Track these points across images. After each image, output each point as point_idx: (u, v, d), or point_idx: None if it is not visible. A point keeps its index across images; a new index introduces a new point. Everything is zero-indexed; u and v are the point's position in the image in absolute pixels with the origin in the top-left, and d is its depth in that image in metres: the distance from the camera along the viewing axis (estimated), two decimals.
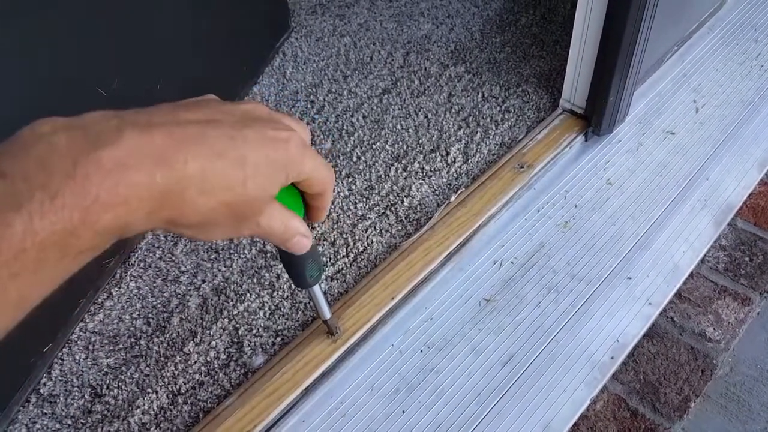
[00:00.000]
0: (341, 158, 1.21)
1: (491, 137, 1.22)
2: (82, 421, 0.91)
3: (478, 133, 1.23)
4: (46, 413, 0.92)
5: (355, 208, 1.14)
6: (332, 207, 1.14)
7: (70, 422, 0.91)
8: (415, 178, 1.18)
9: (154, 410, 0.92)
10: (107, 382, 0.95)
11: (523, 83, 1.31)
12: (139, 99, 1.04)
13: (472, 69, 1.35)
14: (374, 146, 1.23)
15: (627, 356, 0.99)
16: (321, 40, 1.44)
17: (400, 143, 1.23)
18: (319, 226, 1.12)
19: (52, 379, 0.96)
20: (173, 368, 0.96)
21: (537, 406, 0.92)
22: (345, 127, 1.26)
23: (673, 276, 1.06)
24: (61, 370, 0.98)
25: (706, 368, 0.98)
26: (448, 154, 1.20)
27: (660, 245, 1.09)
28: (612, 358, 0.97)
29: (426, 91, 1.32)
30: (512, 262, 1.08)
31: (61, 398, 0.93)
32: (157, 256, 1.09)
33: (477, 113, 1.26)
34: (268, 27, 1.40)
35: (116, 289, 1.06)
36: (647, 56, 1.23)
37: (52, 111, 0.33)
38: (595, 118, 1.19)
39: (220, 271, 1.07)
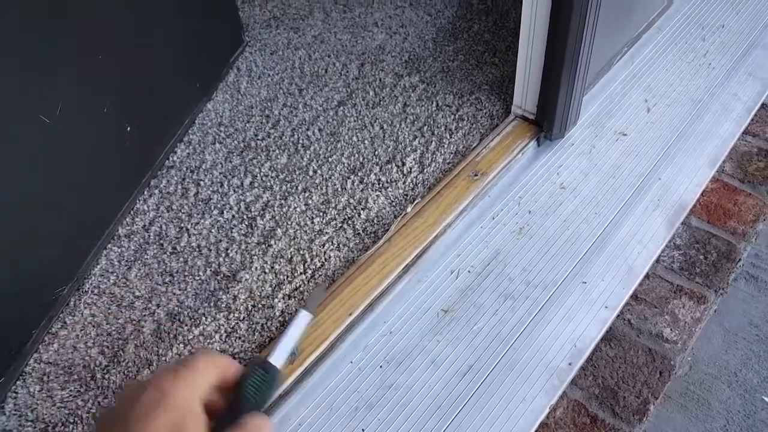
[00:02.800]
0: (297, 173, 1.20)
1: (446, 146, 1.22)
2: None
3: (433, 143, 1.23)
4: None
5: (312, 223, 1.13)
6: (289, 223, 1.13)
7: None
8: (372, 190, 1.17)
9: None
10: (62, 416, 0.93)
11: (476, 91, 1.31)
12: (83, 123, 1.03)
13: (426, 78, 1.35)
14: (330, 159, 1.22)
15: (585, 361, 0.99)
16: (275, 54, 1.43)
17: (357, 155, 1.22)
18: (275, 242, 1.11)
19: (5, 414, 0.94)
20: None
21: (497, 416, 0.92)
22: (301, 141, 1.25)
23: (629, 278, 1.06)
24: (15, 404, 0.95)
25: (664, 369, 0.99)
26: (403, 164, 1.20)
27: (614, 248, 1.09)
28: (570, 364, 0.97)
29: (381, 102, 1.31)
30: (469, 271, 1.08)
31: None
32: (111, 281, 1.08)
33: (432, 122, 1.26)
34: (221, 42, 1.39)
35: (70, 317, 1.04)
36: (595, 59, 1.24)
37: None
38: (546, 123, 1.19)
39: (174, 294, 1.05)
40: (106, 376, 0.97)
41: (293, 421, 0.92)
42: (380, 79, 1.36)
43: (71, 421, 0.93)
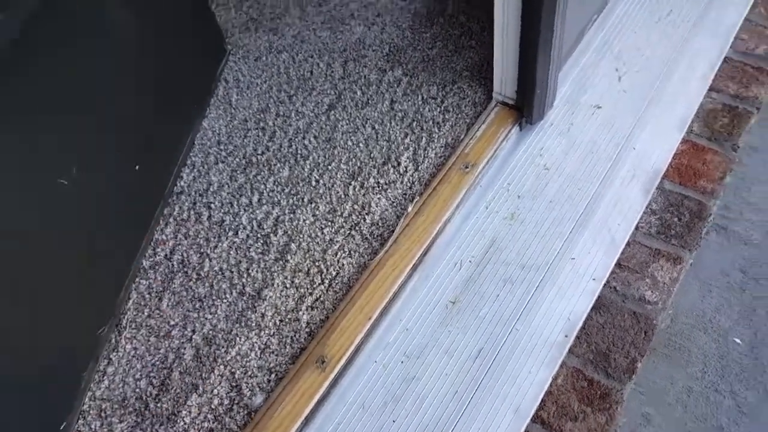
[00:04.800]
0: (301, 184, 1.29)
1: (436, 140, 1.31)
2: None
3: (424, 138, 1.31)
4: None
5: (323, 233, 1.23)
6: (301, 236, 1.23)
7: None
8: (373, 194, 1.26)
9: None
10: None
11: (458, 79, 1.38)
12: (96, 178, 1.11)
13: (409, 71, 1.41)
14: (330, 167, 1.31)
15: (579, 331, 1.13)
16: (259, 60, 1.48)
17: (354, 160, 1.31)
18: (291, 257, 1.21)
19: None
20: (182, 423, 1.08)
21: (507, 392, 1.07)
22: (299, 151, 1.33)
23: (612, 248, 1.18)
24: None
25: (648, 329, 1.13)
26: (399, 164, 1.29)
27: (597, 221, 1.21)
28: (566, 336, 1.11)
29: (369, 101, 1.38)
30: (470, 261, 1.19)
31: None
32: (146, 314, 1.19)
33: (420, 117, 1.34)
34: (206, 56, 1.44)
35: (114, 354, 1.16)
36: (568, 35, 1.30)
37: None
38: (526, 108, 1.27)
39: (207, 319, 1.17)
40: (158, 404, 1.10)
41: (333, 422, 1.07)
42: (365, 77, 1.42)
43: None
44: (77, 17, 1.06)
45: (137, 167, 1.21)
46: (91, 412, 1.11)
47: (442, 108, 1.34)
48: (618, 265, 1.18)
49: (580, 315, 1.13)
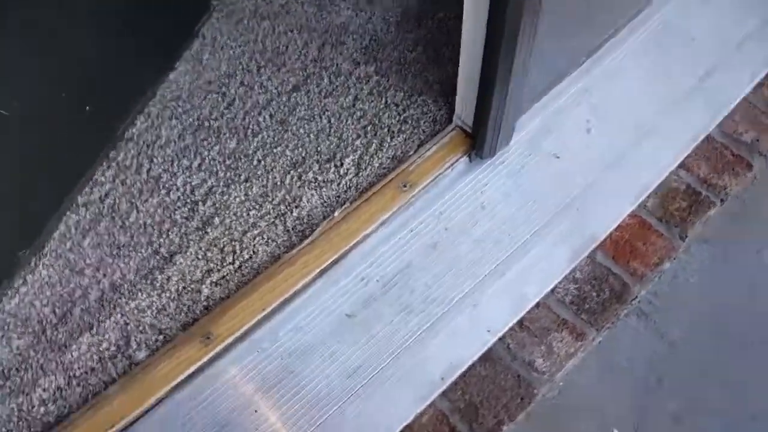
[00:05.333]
0: (242, 160, 1.30)
1: (385, 150, 1.29)
2: None
3: (374, 145, 1.30)
4: None
5: (248, 215, 1.25)
6: (227, 212, 1.25)
7: None
8: (308, 188, 1.27)
9: (52, 389, 1.11)
10: (16, 363, 1.13)
11: (426, 90, 1.35)
12: (42, 111, 1.14)
13: (381, 70, 1.38)
14: (275, 150, 1.31)
15: (459, 376, 1.13)
16: (240, 23, 1.46)
17: (300, 149, 1.30)
18: (212, 230, 1.24)
19: None
20: (70, 355, 1.14)
21: (371, 413, 1.09)
22: (251, 126, 1.33)
23: (519, 305, 1.17)
24: None
25: (526, 396, 1.13)
26: (342, 164, 1.28)
27: (514, 274, 1.19)
28: (442, 378, 1.12)
29: (334, 92, 1.36)
30: (377, 280, 1.20)
31: None
32: (68, 247, 1.23)
33: (377, 121, 1.32)
34: (186, 8, 1.42)
35: (30, 276, 1.21)
36: (539, 73, 1.25)
37: None
38: (478, 141, 1.24)
39: (119, 267, 1.21)
40: (55, 333, 1.16)
41: (203, 394, 1.11)
42: (337, 65, 1.39)
43: (23, 368, 1.13)
44: None
45: (88, 108, 1.23)
46: None
47: (402, 118, 1.32)
48: (520, 323, 1.17)
49: (463, 362, 1.13)
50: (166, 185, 1.28)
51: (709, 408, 1.16)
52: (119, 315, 1.17)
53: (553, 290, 1.20)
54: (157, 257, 1.22)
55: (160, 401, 1.10)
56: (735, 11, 1.46)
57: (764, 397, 1.17)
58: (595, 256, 1.23)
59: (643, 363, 1.21)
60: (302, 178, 1.28)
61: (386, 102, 1.34)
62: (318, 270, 1.18)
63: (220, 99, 1.37)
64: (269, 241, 1.22)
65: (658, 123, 1.32)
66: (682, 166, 1.30)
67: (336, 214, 1.23)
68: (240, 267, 1.20)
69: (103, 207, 1.26)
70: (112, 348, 1.15)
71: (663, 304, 1.25)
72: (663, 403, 1.17)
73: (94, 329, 1.16)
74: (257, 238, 1.23)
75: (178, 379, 1.10)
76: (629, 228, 1.25)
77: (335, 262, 1.19)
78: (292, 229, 1.23)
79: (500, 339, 1.16)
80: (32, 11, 1.07)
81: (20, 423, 1.07)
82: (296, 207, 1.25)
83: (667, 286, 1.26)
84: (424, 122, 1.32)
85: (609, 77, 1.37)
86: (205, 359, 1.11)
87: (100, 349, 1.14)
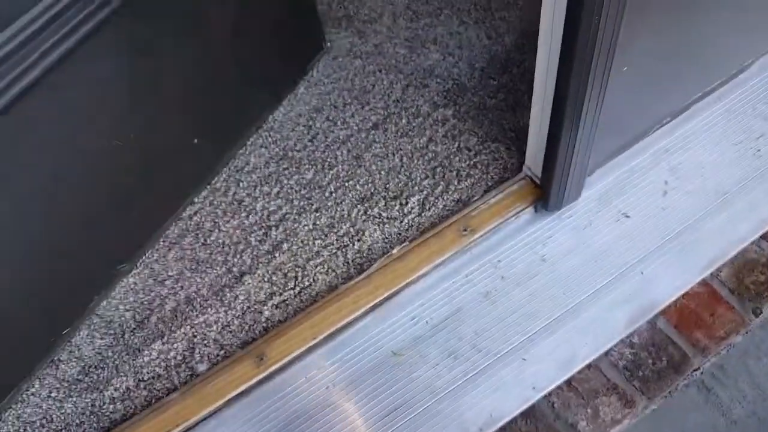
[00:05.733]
0: (316, 191, 1.37)
1: (451, 192, 1.31)
2: (73, 386, 1.24)
3: (440, 186, 1.32)
4: (51, 374, 1.26)
5: (313, 243, 1.31)
6: (295, 239, 1.32)
7: (65, 385, 1.24)
8: (372, 223, 1.32)
9: (122, 389, 1.23)
10: (96, 361, 1.26)
11: (500, 138, 1.36)
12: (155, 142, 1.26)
13: (459, 114, 1.41)
14: (347, 183, 1.37)
15: (499, 429, 1.13)
16: (336, 60, 1.54)
17: (370, 184, 1.36)
18: (279, 255, 1.31)
19: (65, 350, 1.28)
20: (141, 360, 1.25)
21: None
22: (328, 160, 1.40)
23: (568, 365, 1.15)
24: (71, 342, 1.29)
25: None
26: (407, 203, 1.32)
27: (566, 332, 1.17)
28: (480, 429, 1.12)
29: (410, 132, 1.41)
30: (427, 322, 1.22)
31: (62, 366, 1.26)
32: (154, 258, 1.36)
33: (447, 164, 1.35)
34: (300, 48, 1.50)
35: (119, 283, 1.35)
36: (615, 133, 1.23)
37: None
38: (545, 191, 1.23)
39: (195, 282, 1.32)
40: (132, 337, 1.28)
41: (246, 415, 1.18)
42: (417, 106, 1.44)
43: (101, 366, 1.26)
44: None
45: (196, 141, 1.33)
46: (85, 321, 1.30)
47: (472, 162, 1.34)
48: (568, 382, 1.15)
49: (503, 416, 1.12)
50: (247, 208, 1.37)
51: None
52: (189, 327, 1.27)
53: (607, 353, 1.16)
54: (229, 276, 1.31)
55: (211, 414, 1.18)
56: None
57: None
58: (657, 322, 1.18)
59: None
60: (368, 212, 1.33)
61: (459, 146, 1.37)
62: (369, 305, 1.22)
63: (305, 131, 1.45)
64: (329, 270, 1.28)
65: (741, 192, 1.25)
66: (765, 237, 1.22)
67: (395, 251, 1.27)
68: (300, 293, 1.27)
69: (191, 224, 1.38)
70: (178, 357, 1.25)
71: (729, 380, 1.18)
72: None
73: (165, 338, 1.27)
74: (319, 267, 1.29)
75: (230, 395, 1.18)
76: (697, 297, 1.19)
77: (388, 298, 1.23)
78: (352, 261, 1.29)
79: (545, 396, 1.14)
80: (151, 58, 1.17)
81: (91, 417, 1.20)
82: (358, 240, 1.30)
83: (735, 361, 1.19)
84: (494, 168, 1.33)
85: (693, 140, 1.32)
86: (255, 380, 1.19)
87: (168, 357, 1.25)
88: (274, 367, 1.19)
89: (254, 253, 1.33)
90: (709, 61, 1.27)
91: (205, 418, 1.18)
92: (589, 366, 1.16)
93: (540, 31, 1.03)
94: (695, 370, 1.17)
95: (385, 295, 1.23)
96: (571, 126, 1.07)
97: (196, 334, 1.26)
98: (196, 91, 1.29)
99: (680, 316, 1.18)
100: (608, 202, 1.28)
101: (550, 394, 1.14)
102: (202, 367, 1.23)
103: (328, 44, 1.57)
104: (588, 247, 1.24)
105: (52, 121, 1.05)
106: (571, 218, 1.27)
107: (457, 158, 1.36)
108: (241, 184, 1.41)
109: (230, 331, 1.26)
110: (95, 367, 1.26)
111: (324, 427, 1.15)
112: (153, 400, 1.21)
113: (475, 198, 1.30)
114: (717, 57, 1.27)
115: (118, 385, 1.23)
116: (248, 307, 1.27)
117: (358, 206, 1.34)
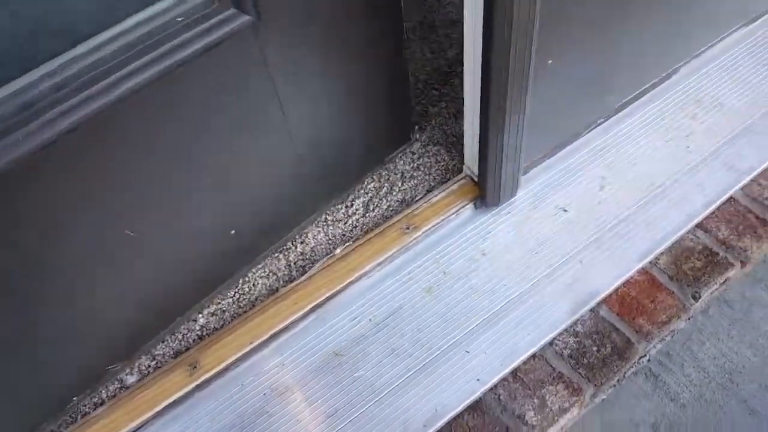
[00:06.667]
0: None
1: (394, 194, 1.31)
2: None
3: (384, 188, 1.32)
4: None
5: None
6: None
7: None
8: (316, 226, 1.29)
9: None
10: None
11: (443, 142, 1.37)
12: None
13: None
14: None
15: (444, 425, 1.08)
16: None
17: None
18: None
19: None
20: None
21: None
22: None
23: (512, 355, 1.12)
24: None
25: None
26: (352, 205, 1.31)
27: (508, 323, 1.15)
28: (425, 426, 1.07)
29: None
30: (369, 320, 1.18)
31: None
32: None
33: (392, 167, 1.35)
34: (385, 140, 1.33)
35: None
36: (548, 133, 1.26)
37: None
38: (481, 188, 1.24)
39: None
40: None
41: (180, 423, 1.11)
42: None
43: None
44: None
45: (233, 232, 1.15)
46: None
47: (416, 165, 1.34)
48: (513, 374, 1.12)
49: (449, 410, 1.08)
50: None
51: None
52: None
53: (551, 342, 1.14)
54: None
55: (140, 427, 1.10)
56: (764, 84, 1.42)
57: None
58: (599, 310, 1.17)
59: (648, 426, 1.11)
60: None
61: (404, 150, 1.37)
62: (310, 306, 1.18)
63: None
64: (270, 274, 1.25)
65: (674, 185, 1.28)
66: (700, 226, 1.24)
67: (337, 251, 1.25)
68: (238, 299, 1.23)
69: None
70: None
71: (675, 366, 1.16)
72: None
73: None
74: (259, 271, 1.25)
75: (160, 407, 1.11)
76: (637, 285, 1.19)
77: (328, 299, 1.20)
78: (294, 264, 1.25)
79: (491, 389, 1.11)
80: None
81: None
82: (302, 243, 1.28)
83: (679, 347, 1.18)
84: (436, 170, 1.34)
85: (627, 138, 1.35)
86: (187, 389, 1.12)
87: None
88: (207, 375, 1.13)
89: None
90: (638, 66, 1.32)
91: (133, 431, 1.10)
92: (533, 356, 1.13)
93: (465, 39, 1.08)
94: (642, 357, 1.16)
95: (327, 295, 1.19)
96: (497, 129, 1.10)
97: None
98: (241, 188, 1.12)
99: (622, 304, 1.17)
100: (546, 197, 1.29)
101: (495, 386, 1.11)
102: (131, 379, 1.16)
103: (416, 135, 1.41)
104: (527, 241, 1.24)
105: None
106: (509, 214, 1.27)
107: (402, 161, 1.36)
108: None
109: (162, 341, 1.19)
110: None
111: None
112: (78, 417, 1.13)
113: (418, 198, 1.30)
114: (645, 63, 1.33)
115: None
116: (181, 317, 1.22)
117: None
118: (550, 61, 1.09)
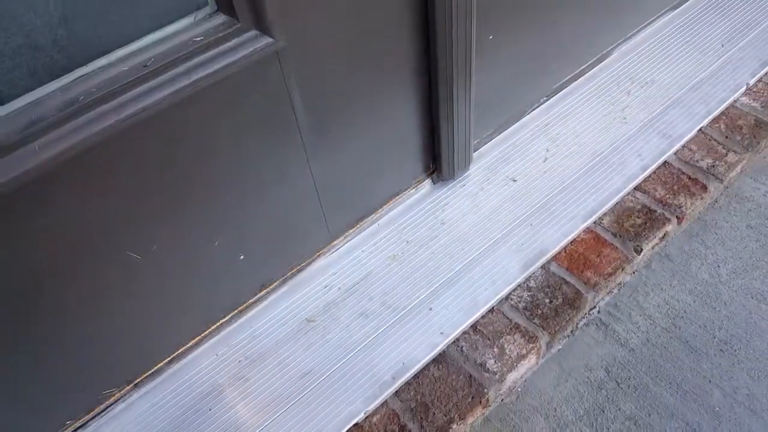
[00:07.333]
0: None
1: None
2: None
3: None
4: None
5: None
6: None
7: None
8: None
9: None
10: None
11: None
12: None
13: None
14: None
15: (412, 377, 1.15)
16: None
17: None
18: None
19: None
20: None
21: (318, 414, 1.11)
22: None
23: (471, 310, 1.20)
24: None
25: (476, 395, 1.13)
26: None
27: (467, 282, 1.23)
28: (393, 378, 1.14)
29: None
30: (339, 288, 1.26)
31: None
32: None
33: None
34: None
35: None
36: (495, 112, 1.36)
37: None
38: (436, 164, 1.34)
39: None
40: None
41: (154, 398, 1.16)
42: None
43: None
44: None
45: (242, 257, 1.15)
46: None
47: None
48: (474, 327, 1.20)
49: (415, 363, 1.15)
50: None
51: (665, 408, 1.13)
52: None
53: (507, 297, 1.23)
54: None
55: (99, 414, 1.14)
56: (691, 61, 1.56)
57: (713, 398, 1.13)
58: (549, 266, 1.26)
59: (602, 369, 1.20)
60: None
61: None
62: (280, 279, 1.26)
63: None
64: None
65: (613, 152, 1.39)
66: (638, 188, 1.35)
67: None
68: None
69: None
70: None
71: (623, 315, 1.26)
72: (620, 404, 1.15)
73: None
74: None
75: (142, 377, 1.16)
76: (584, 242, 1.29)
77: (299, 270, 1.27)
78: None
79: (454, 342, 1.18)
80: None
81: None
82: None
83: (626, 299, 1.27)
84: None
85: (569, 114, 1.47)
86: (158, 366, 1.17)
87: None
88: (178, 351, 1.18)
89: None
90: (576, 47, 1.45)
91: (93, 418, 1.13)
92: (491, 310, 1.22)
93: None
94: (592, 309, 1.25)
95: (297, 267, 1.27)
96: (446, 111, 1.20)
97: None
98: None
99: (570, 260, 1.27)
100: (497, 170, 1.39)
101: (457, 339, 1.19)
102: None
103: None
104: (481, 209, 1.33)
105: None
106: (464, 186, 1.37)
107: None
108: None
109: None
110: None
111: (240, 397, 1.14)
112: None
113: None
114: (582, 43, 1.46)
115: None
116: None
117: None
118: (491, 37, 1.20)
